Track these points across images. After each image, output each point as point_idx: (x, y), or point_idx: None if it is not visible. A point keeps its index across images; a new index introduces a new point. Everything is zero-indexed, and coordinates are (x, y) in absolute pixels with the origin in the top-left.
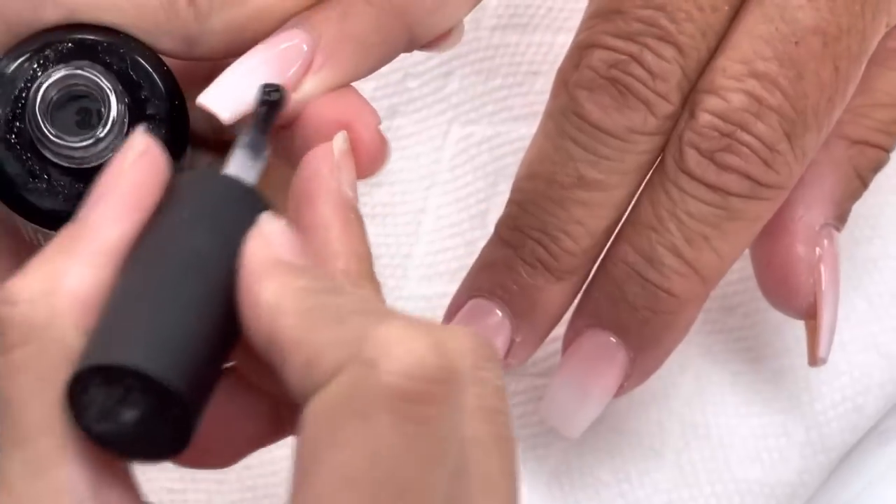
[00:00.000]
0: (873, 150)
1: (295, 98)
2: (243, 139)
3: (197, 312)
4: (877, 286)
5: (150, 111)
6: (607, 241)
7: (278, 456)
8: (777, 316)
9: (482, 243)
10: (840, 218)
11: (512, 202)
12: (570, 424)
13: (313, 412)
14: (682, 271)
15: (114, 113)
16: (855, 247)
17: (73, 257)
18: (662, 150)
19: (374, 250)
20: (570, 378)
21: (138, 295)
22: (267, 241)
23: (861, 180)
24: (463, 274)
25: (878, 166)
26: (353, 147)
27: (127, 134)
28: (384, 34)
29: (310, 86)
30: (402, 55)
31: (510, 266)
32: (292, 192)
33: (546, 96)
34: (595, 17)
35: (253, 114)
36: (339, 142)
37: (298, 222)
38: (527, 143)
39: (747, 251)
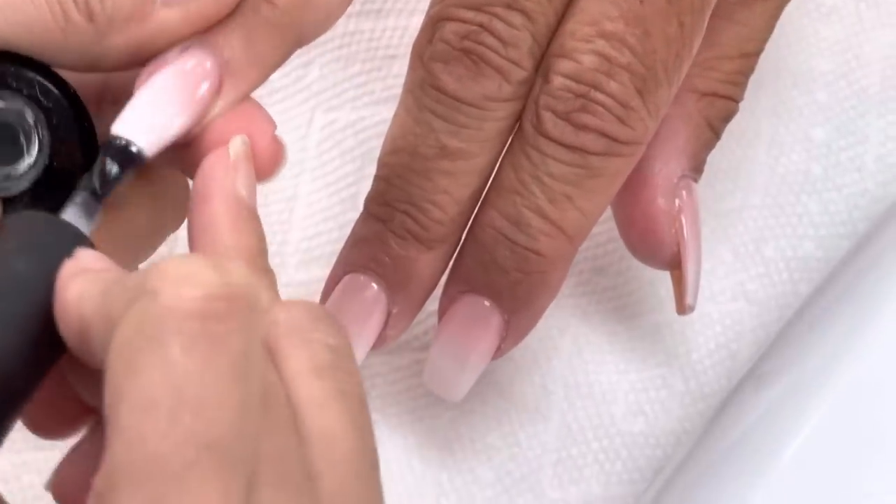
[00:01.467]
0: (722, 100)
1: (203, 121)
2: (77, 199)
3: (14, 330)
4: (741, 236)
5: (61, 134)
6: (474, 208)
7: None
8: (648, 273)
9: None
10: (696, 169)
11: (378, 178)
12: (451, 390)
13: (109, 357)
14: (548, 231)
15: (37, 139)
16: (718, 201)
17: None
18: (520, 115)
19: None
20: (448, 345)
21: None
22: (77, 258)
23: (713, 131)
24: None
25: (728, 116)
26: (252, 152)
27: (48, 157)
28: (283, 49)
29: (217, 108)
30: None
31: (381, 239)
32: (191, 194)
33: (403, 79)
34: None
35: (95, 170)
36: (235, 144)
37: (195, 223)
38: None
39: (611, 211)
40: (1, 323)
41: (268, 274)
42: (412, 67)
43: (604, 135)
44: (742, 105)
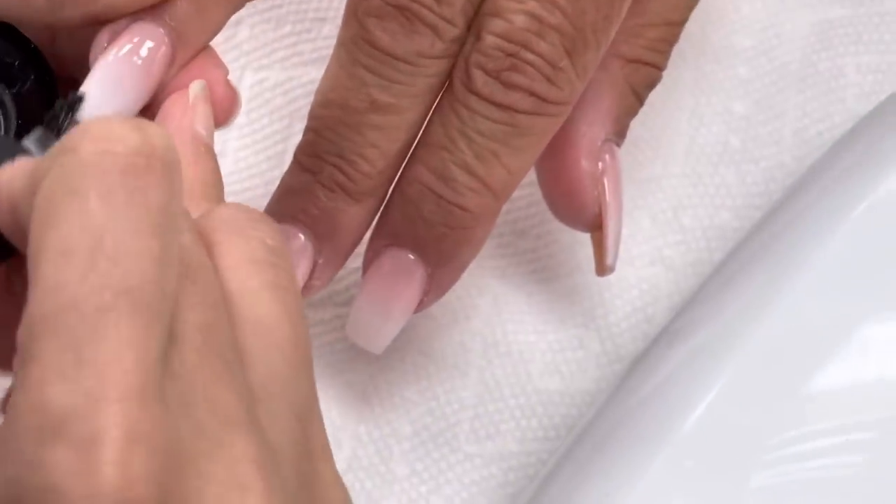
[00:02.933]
0: (647, 67)
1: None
2: (35, 133)
3: None
4: (660, 204)
5: (24, 88)
6: (402, 163)
7: None
8: (567, 237)
9: None
10: (619, 133)
11: (309, 129)
12: (373, 341)
13: (33, 213)
14: (474, 187)
15: (7, 99)
16: (638, 168)
17: None
18: (450, 73)
19: None
20: (372, 296)
21: None
22: (16, 162)
23: (637, 97)
24: None
25: (652, 83)
26: (210, 94)
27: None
28: (230, 10)
29: (171, 74)
30: None
31: (310, 191)
32: None
33: (333, 41)
34: None
35: (50, 114)
36: (194, 88)
37: None
38: (318, 85)
39: (534, 175)
40: None
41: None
42: (345, 22)
43: (532, 94)
44: (665, 78)
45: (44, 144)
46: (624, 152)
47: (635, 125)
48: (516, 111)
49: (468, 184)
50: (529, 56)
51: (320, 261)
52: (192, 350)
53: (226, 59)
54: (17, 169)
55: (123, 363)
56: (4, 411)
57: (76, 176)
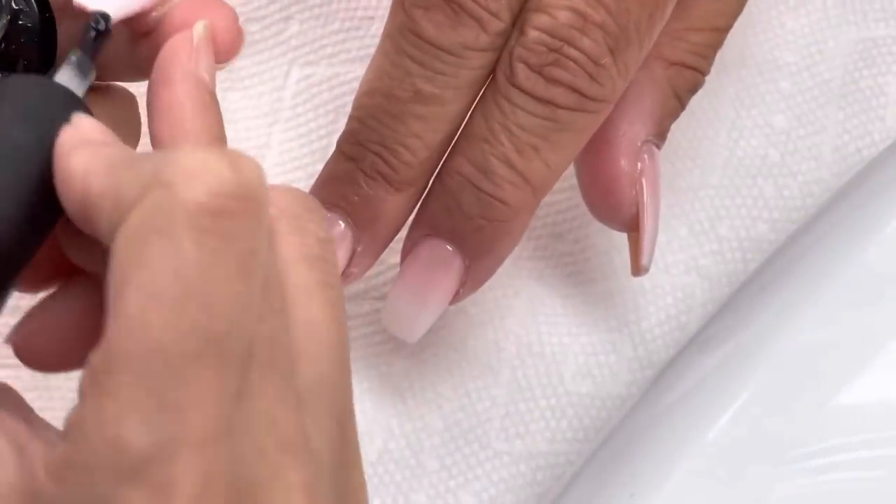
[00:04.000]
0: (690, 71)
1: (160, 10)
2: (71, 58)
3: (12, 197)
4: (697, 213)
5: (21, 22)
6: (443, 155)
7: None
8: (605, 242)
9: None
10: (660, 135)
11: (353, 118)
12: (408, 330)
13: (118, 242)
14: (513, 180)
15: None
16: (677, 178)
17: None
18: (494, 66)
19: None
20: (409, 285)
21: None
22: (78, 127)
23: (679, 100)
24: None
25: (694, 87)
26: (211, 36)
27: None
28: None
29: None
30: (243, 1)
31: (352, 179)
32: (151, 77)
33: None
34: None
35: (81, 39)
36: (198, 29)
37: (157, 105)
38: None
39: (574, 175)
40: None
41: None
42: (393, 12)
43: (574, 90)
44: (707, 89)
45: (84, 73)
46: (663, 161)
47: (675, 135)
48: (557, 106)
49: (507, 177)
50: (572, 52)
51: (359, 249)
52: (258, 367)
53: (273, 52)
54: (92, 160)
55: (204, 409)
56: (66, 433)
57: (169, 215)
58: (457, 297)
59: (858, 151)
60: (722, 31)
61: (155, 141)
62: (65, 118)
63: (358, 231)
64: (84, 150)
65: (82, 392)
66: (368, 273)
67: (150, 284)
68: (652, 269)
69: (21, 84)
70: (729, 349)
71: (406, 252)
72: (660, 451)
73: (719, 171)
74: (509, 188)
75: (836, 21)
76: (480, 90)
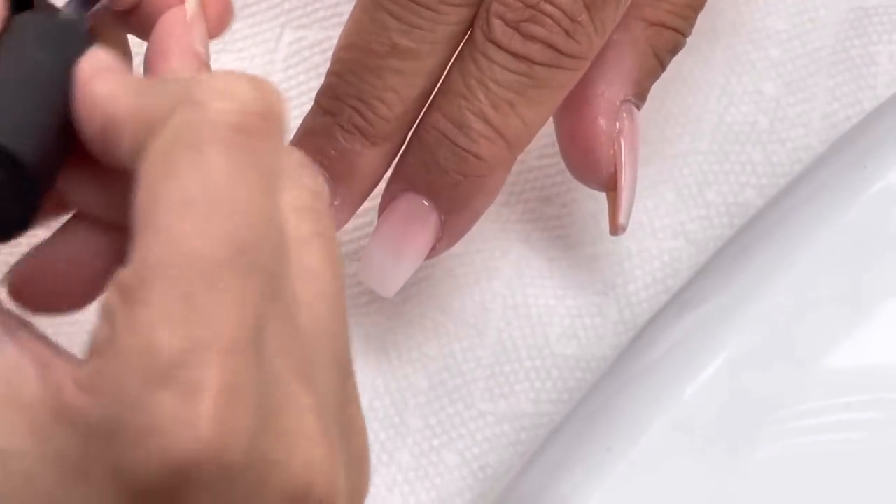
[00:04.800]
0: (670, 31)
1: None
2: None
3: (36, 106)
4: (685, 178)
5: None
6: (420, 110)
7: None
8: (592, 205)
9: None
10: (639, 95)
11: (330, 73)
12: (385, 283)
13: (149, 158)
14: (489, 135)
15: None
16: (666, 143)
17: None
18: (471, 23)
19: None
20: (386, 238)
21: None
22: (97, 55)
23: (658, 60)
24: None
25: (674, 48)
26: (203, 9)
27: None
28: None
29: None
30: None
31: (329, 132)
32: (147, 52)
33: None
34: None
35: None
36: (191, 4)
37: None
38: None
39: (554, 132)
40: (25, 113)
41: None
42: None
43: (550, 46)
44: (697, 55)
45: (86, 7)
46: (652, 126)
47: (665, 101)
48: (533, 62)
49: (483, 132)
50: (548, 8)
51: (336, 203)
52: (274, 295)
53: (266, 16)
54: (117, 84)
55: (232, 317)
56: (94, 351)
57: (198, 131)
58: (433, 252)
59: (848, 119)
60: None
61: None
62: (81, 49)
63: (335, 185)
64: (107, 76)
65: (109, 310)
66: (356, 234)
67: (181, 195)
68: (639, 233)
69: (35, 19)
70: (708, 309)
71: (384, 206)
72: (637, 407)
73: (708, 136)
74: (485, 143)
75: None
76: (457, 46)
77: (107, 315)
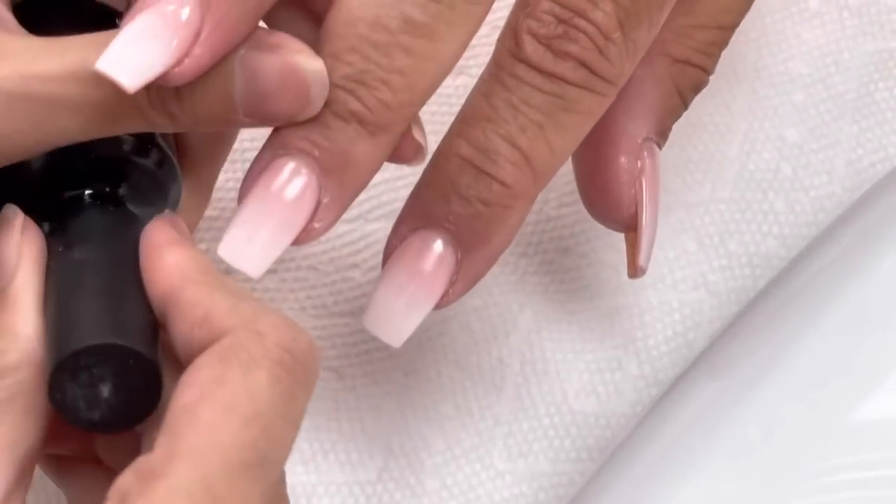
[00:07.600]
0: (694, 69)
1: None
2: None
3: (125, 293)
4: (707, 228)
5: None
6: (422, 104)
7: None
8: (611, 257)
9: None
10: (661, 134)
11: (326, 53)
12: (393, 330)
13: (206, 358)
14: (516, 161)
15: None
16: (687, 191)
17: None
18: (484, 18)
19: None
20: (395, 281)
21: (74, 296)
22: (165, 224)
23: (681, 98)
24: None
25: (698, 86)
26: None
27: None
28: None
29: (198, 51)
30: None
31: (320, 120)
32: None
33: None
34: None
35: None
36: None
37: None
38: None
39: (572, 180)
40: (113, 292)
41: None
42: None
43: (583, 64)
44: (719, 101)
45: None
46: (673, 174)
47: (686, 147)
48: (566, 82)
49: (510, 157)
50: (582, 23)
51: (325, 200)
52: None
53: None
54: (187, 258)
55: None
56: None
57: (253, 356)
58: (445, 298)
59: (872, 166)
60: (728, 30)
61: None
62: (136, 231)
63: (324, 179)
64: (176, 250)
65: (122, 493)
66: (370, 289)
67: (228, 398)
68: (660, 285)
69: (90, 216)
70: (739, 372)
71: (391, 250)
72: (667, 471)
73: (730, 184)
74: (511, 169)
75: (852, 32)
76: (472, 35)
77: (119, 498)
